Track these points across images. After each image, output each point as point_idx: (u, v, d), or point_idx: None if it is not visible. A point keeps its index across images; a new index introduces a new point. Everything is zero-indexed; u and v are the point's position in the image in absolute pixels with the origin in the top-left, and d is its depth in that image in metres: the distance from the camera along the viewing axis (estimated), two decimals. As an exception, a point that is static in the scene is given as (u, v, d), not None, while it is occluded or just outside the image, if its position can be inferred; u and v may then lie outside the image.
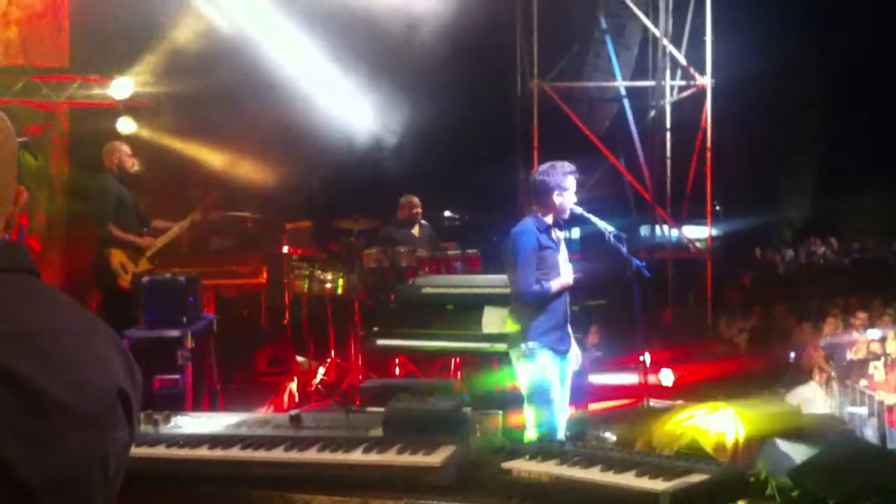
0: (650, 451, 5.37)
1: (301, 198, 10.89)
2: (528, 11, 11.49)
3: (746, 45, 12.08)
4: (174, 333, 6.20)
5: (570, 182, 5.51)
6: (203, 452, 3.46)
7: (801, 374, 7.98)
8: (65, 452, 1.25)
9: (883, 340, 7.97)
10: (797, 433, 5.82)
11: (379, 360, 7.86)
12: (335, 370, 7.82)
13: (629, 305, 6.50)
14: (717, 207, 12.22)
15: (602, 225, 5.65)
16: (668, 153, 11.60)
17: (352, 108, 10.97)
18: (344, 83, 10.89)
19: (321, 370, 7.80)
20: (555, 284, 5.34)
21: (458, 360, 7.36)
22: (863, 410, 7.31)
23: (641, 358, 6.92)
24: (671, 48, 11.49)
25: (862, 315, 8.67)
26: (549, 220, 5.50)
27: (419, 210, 8.77)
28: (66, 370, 1.28)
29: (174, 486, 3.45)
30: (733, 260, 12.51)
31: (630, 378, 7.41)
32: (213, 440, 3.52)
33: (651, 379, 7.69)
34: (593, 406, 6.97)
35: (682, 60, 11.59)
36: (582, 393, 6.30)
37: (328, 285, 8.03)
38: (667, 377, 8.21)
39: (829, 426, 6.74)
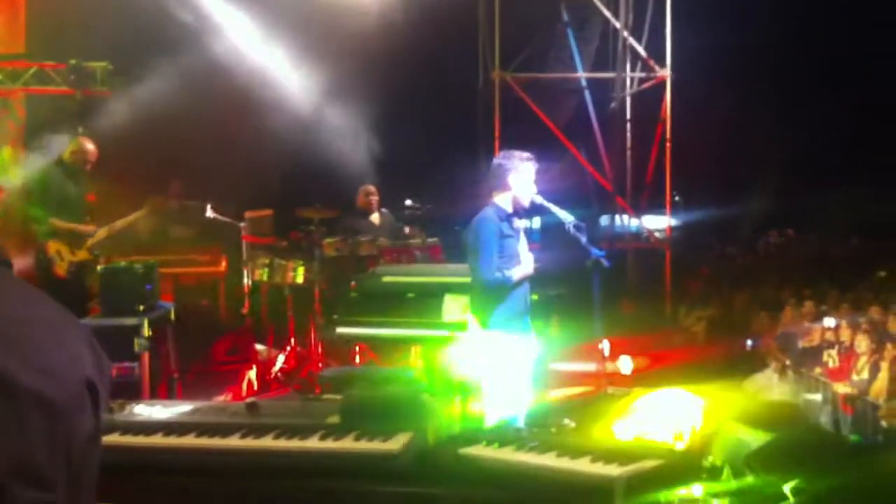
0: (606, 437, 5.42)
1: (261, 187, 10.81)
2: (490, 3, 11.49)
3: (707, 37, 12.18)
4: (130, 321, 6.15)
5: (529, 169, 5.54)
6: (158, 440, 3.44)
7: (757, 363, 8.09)
8: (31, 438, 1.25)
9: (837, 329, 8.10)
10: (753, 419, 5.89)
11: (339, 349, 7.84)
12: (295, 359, 7.78)
13: (589, 295, 6.53)
14: (677, 198, 12.32)
15: (562, 214, 5.67)
16: (629, 144, 11.68)
17: (313, 98, 10.91)
18: (305, 73, 10.83)
19: (280, 358, 7.77)
20: (516, 273, 5.37)
21: (417, 347, 7.37)
22: (817, 397, 7.43)
23: (600, 346, 6.97)
24: (631, 40, 11.55)
25: (816, 304, 8.80)
26: (509, 209, 5.52)
27: (375, 197, 8.76)
28: (35, 358, 1.29)
29: (128, 475, 3.42)
30: (692, 250, 12.63)
31: (589, 366, 7.46)
32: (169, 427, 3.50)
33: (610, 367, 7.75)
34: (553, 393, 7.01)
35: (643, 52, 11.66)
36: (541, 380, 6.33)
37: (289, 274, 7.99)
38: (625, 365, 8.28)
39: (785, 412, 6.83)
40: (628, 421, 5.74)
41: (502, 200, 5.52)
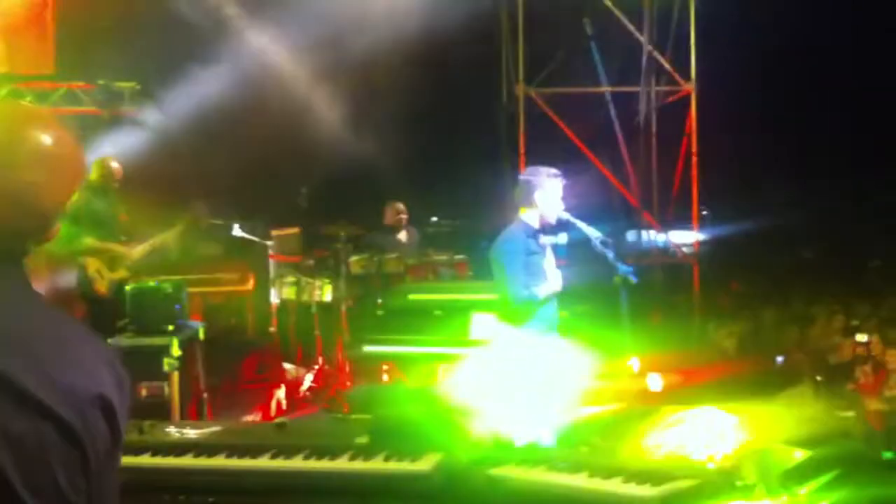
0: (638, 456, 5.37)
1: (288, 205, 10.86)
2: (513, 17, 11.50)
3: (733, 49, 12.12)
4: (160, 341, 6.18)
5: (555, 185, 5.53)
6: (188, 461, 3.44)
7: (789, 379, 7.99)
8: (44, 454, 1.27)
9: (868, 344, 7.99)
10: (785, 436, 5.81)
11: (366, 367, 7.83)
12: (322, 377, 7.79)
13: (617, 311, 6.48)
14: (704, 212, 12.24)
15: (589, 230, 5.64)
16: (654, 158, 11.62)
17: (339, 115, 10.96)
18: (330, 90, 10.88)
19: (308, 377, 7.77)
20: (542, 290, 5.35)
21: (445, 365, 7.35)
22: (849, 414, 7.32)
23: (629, 363, 6.90)
24: (656, 54, 11.52)
25: (846, 319, 8.69)
26: (536, 225, 5.51)
27: (404, 216, 8.76)
28: (51, 375, 1.30)
29: (159, 495, 3.42)
30: (721, 265, 12.53)
31: (618, 384, 7.40)
32: (199, 448, 3.50)
33: (639, 384, 7.69)
34: (582, 412, 6.95)
35: (667, 66, 11.62)
36: (569, 399, 6.28)
37: (315, 292, 8.01)
38: (655, 382, 8.20)
39: (818, 429, 6.74)
40: (660, 439, 5.70)
41: (529, 217, 5.51)
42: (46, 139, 1.48)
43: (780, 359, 8.55)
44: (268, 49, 10.70)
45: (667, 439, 5.80)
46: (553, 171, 5.63)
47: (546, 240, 5.65)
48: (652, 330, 10.36)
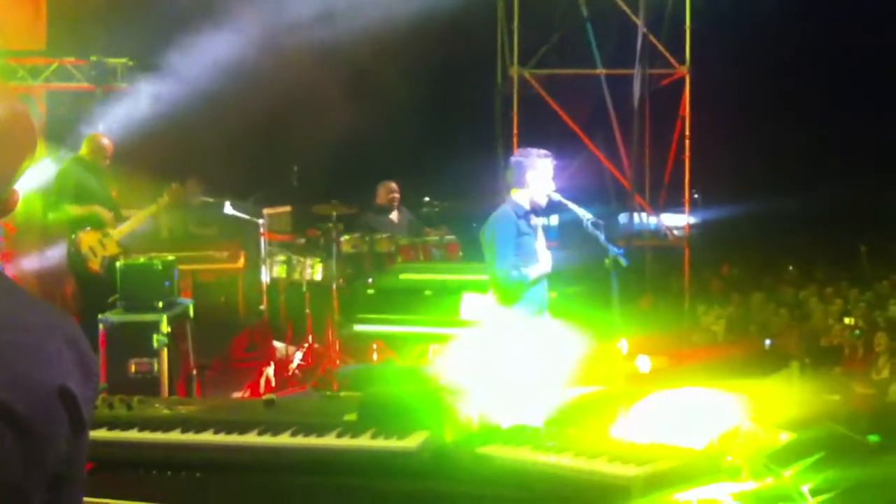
0: (623, 437, 5.40)
1: (280, 183, 10.84)
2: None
3: (728, 33, 12.10)
4: (150, 318, 6.18)
5: (547, 166, 5.53)
6: (176, 436, 3.45)
7: (777, 362, 8.04)
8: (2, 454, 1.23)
9: (856, 328, 8.04)
10: (772, 419, 5.85)
11: (356, 346, 7.85)
12: (312, 356, 7.80)
13: (607, 293, 6.49)
14: (696, 195, 12.26)
15: (580, 212, 5.64)
16: (648, 141, 11.63)
17: (330, 93, 10.92)
18: (323, 68, 10.84)
19: (298, 356, 7.79)
20: (533, 271, 5.36)
21: (435, 345, 7.37)
22: (837, 397, 7.37)
23: (618, 345, 6.93)
24: (651, 36, 11.50)
25: (838, 303, 8.74)
26: (527, 206, 5.51)
27: (396, 195, 8.75)
28: (10, 368, 1.26)
29: (147, 470, 3.44)
30: (712, 248, 12.57)
31: (607, 365, 7.43)
32: (187, 424, 3.51)
33: (628, 366, 7.72)
34: (569, 392, 6.98)
35: (662, 49, 11.60)
36: (557, 380, 6.31)
37: (306, 271, 8.02)
38: (644, 364, 8.24)
39: (804, 412, 6.79)
40: (646, 420, 5.73)
41: (520, 197, 5.51)
42: None
43: (768, 342, 8.61)
44: (262, 26, 10.65)
45: (653, 420, 5.84)
46: (544, 152, 5.62)
47: (537, 221, 5.65)
48: (642, 312, 10.40)
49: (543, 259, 5.51)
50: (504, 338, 5.40)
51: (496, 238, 5.40)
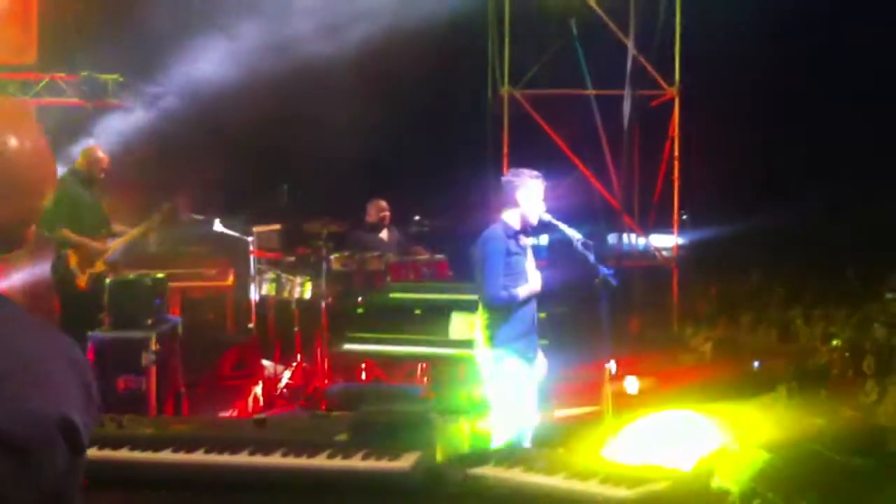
0: (614, 458, 5.41)
1: (270, 201, 10.85)
2: (500, 18, 11.54)
3: (717, 54, 12.19)
4: (139, 335, 6.17)
5: (537, 186, 5.55)
6: (166, 456, 3.44)
7: (764, 384, 8.07)
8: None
9: (844, 350, 8.08)
10: (759, 441, 5.88)
11: (345, 365, 7.84)
12: (301, 374, 7.79)
13: (596, 313, 6.51)
14: (685, 217, 12.31)
15: (570, 232, 5.66)
16: (637, 162, 11.69)
17: (319, 111, 10.95)
18: (315, 87, 10.87)
19: (287, 374, 7.77)
20: (522, 291, 5.37)
21: (424, 365, 7.37)
22: (822, 420, 7.40)
23: (607, 365, 6.93)
24: (640, 57, 11.58)
25: (823, 325, 8.78)
26: (517, 226, 5.53)
27: (387, 213, 8.77)
28: (15, 400, 1.26)
29: (137, 490, 3.43)
30: (700, 269, 12.62)
31: (595, 386, 7.45)
32: (178, 443, 3.50)
33: (616, 387, 7.73)
34: (559, 413, 7.00)
35: (651, 70, 11.69)
36: (548, 399, 6.33)
37: (296, 289, 8.01)
38: (632, 385, 8.26)
39: (792, 435, 6.82)
40: (636, 442, 5.75)
41: (510, 217, 5.53)
42: (13, 142, 1.43)
43: (756, 363, 8.64)
44: (254, 44, 10.68)
45: (643, 442, 5.86)
46: (535, 172, 5.65)
47: (526, 241, 5.66)
48: (630, 333, 10.44)
49: (533, 279, 5.52)
50: (492, 359, 5.41)
51: (485, 257, 5.42)
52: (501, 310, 5.38)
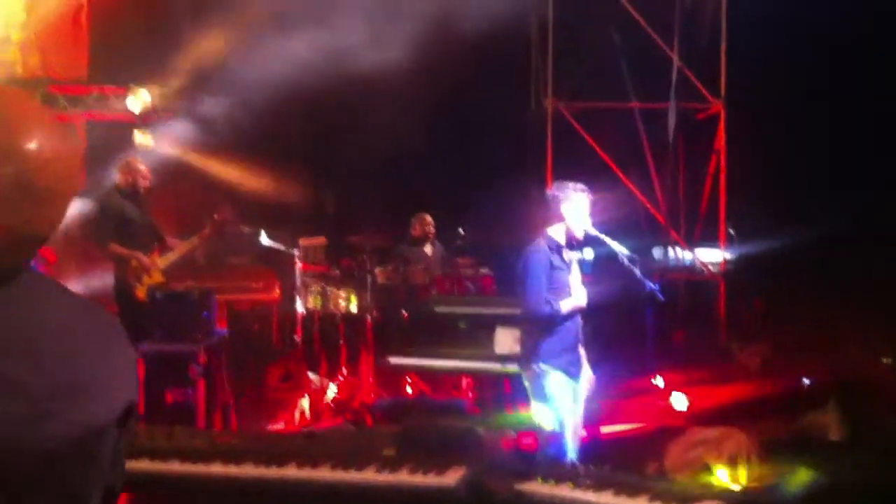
0: (663, 476, 5.36)
1: (315, 213, 10.93)
2: (543, 30, 11.54)
3: (763, 66, 12.06)
4: (187, 348, 6.23)
5: (583, 200, 5.52)
6: (216, 469, 3.47)
7: (814, 402, 7.94)
8: (75, 465, 1.26)
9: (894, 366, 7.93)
10: (810, 460, 5.78)
11: (390, 379, 7.85)
12: (346, 388, 7.81)
13: (641, 328, 6.47)
14: (731, 231, 12.17)
15: (616, 247, 5.64)
16: (682, 176, 11.60)
17: (362, 124, 11.01)
18: (356, 100, 10.93)
19: (332, 387, 7.80)
20: (565, 305, 5.33)
21: (469, 379, 7.36)
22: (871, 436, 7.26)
23: (654, 381, 6.89)
24: (686, 70, 11.50)
25: (877, 340, 8.61)
26: (562, 240, 5.50)
27: (432, 229, 8.79)
28: (90, 391, 1.29)
29: (186, 500, 3.46)
30: (747, 284, 12.46)
31: (642, 402, 7.38)
32: (227, 455, 3.53)
33: (664, 402, 7.67)
34: (605, 429, 6.94)
35: (697, 82, 11.60)
36: (594, 416, 6.27)
37: (341, 302, 8.05)
38: (679, 401, 8.18)
39: (843, 455, 6.70)
40: (685, 459, 5.69)
41: (555, 231, 5.50)
42: (31, 145, 1.35)
43: (806, 381, 8.50)
44: (301, 55, 10.76)
45: (692, 459, 5.79)
46: (581, 185, 5.62)
47: (571, 255, 5.63)
48: (676, 348, 10.32)
49: (577, 293, 5.48)
50: (540, 375, 5.37)
51: (528, 271, 5.39)
52: (544, 324, 5.35)
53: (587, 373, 5.59)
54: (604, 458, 6.11)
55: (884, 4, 11.80)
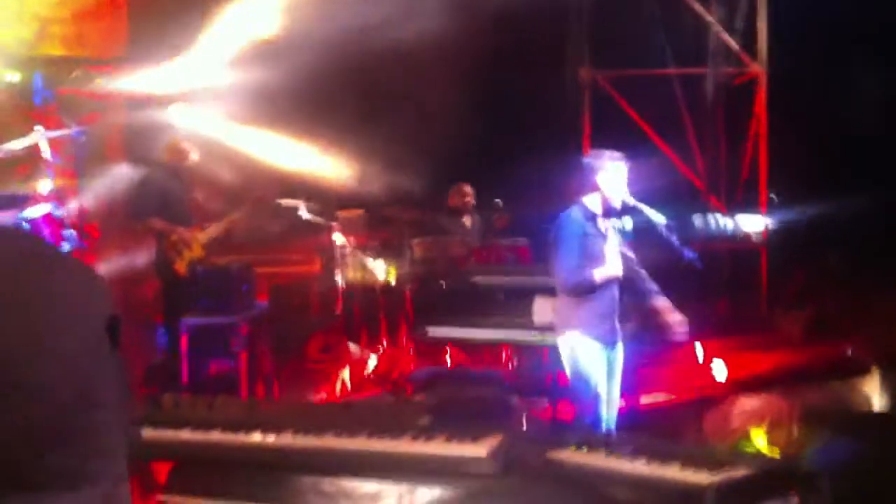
0: (698, 443, 5.36)
1: (354, 186, 10.96)
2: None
3: (804, 29, 11.84)
4: (229, 320, 6.33)
5: (620, 168, 5.49)
6: (255, 438, 3.54)
7: (858, 368, 7.85)
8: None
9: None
10: (853, 429, 5.73)
11: (429, 350, 7.91)
12: (386, 359, 7.89)
13: (682, 297, 6.43)
14: (773, 196, 12.02)
15: (654, 215, 5.60)
16: (723, 141, 11.46)
17: (403, 94, 10.99)
18: (393, 72, 10.91)
19: (372, 359, 7.88)
20: (598, 274, 5.32)
21: (507, 349, 7.39)
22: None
23: (694, 350, 6.85)
24: (724, 34, 11.34)
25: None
26: (598, 209, 5.47)
27: (470, 199, 8.79)
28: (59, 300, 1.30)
29: (227, 470, 3.54)
30: (790, 251, 12.31)
31: (682, 370, 7.36)
32: (266, 425, 3.60)
33: (704, 371, 7.64)
34: (645, 399, 6.94)
35: (735, 47, 11.42)
36: (633, 385, 6.27)
37: (380, 274, 8.11)
38: (719, 369, 8.14)
39: (887, 424, 6.62)
40: (721, 426, 5.67)
41: (590, 200, 5.49)
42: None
43: (849, 350, 8.40)
44: (343, 28, 10.73)
45: (732, 427, 5.77)
46: (618, 154, 5.59)
47: (607, 223, 5.59)
48: (717, 316, 10.26)
49: (613, 262, 5.46)
50: (572, 342, 5.38)
51: (560, 239, 5.39)
52: (578, 292, 5.35)
53: (623, 342, 5.58)
54: (643, 428, 6.13)
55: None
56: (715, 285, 10.71)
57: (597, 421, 5.18)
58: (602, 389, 5.27)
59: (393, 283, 8.10)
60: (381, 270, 8.22)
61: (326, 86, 10.70)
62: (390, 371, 7.75)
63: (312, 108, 10.85)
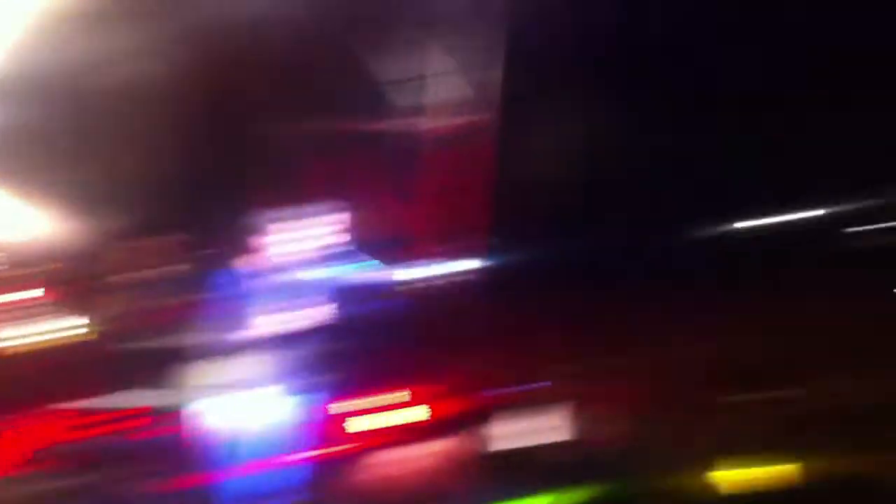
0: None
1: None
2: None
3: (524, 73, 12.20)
4: None
5: (288, 229, 5.52)
6: None
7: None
8: None
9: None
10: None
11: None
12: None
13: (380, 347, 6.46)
14: (487, 242, 12.28)
15: (339, 271, 5.68)
16: (431, 187, 11.60)
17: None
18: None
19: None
20: (250, 332, 5.27)
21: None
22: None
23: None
24: (443, 84, 11.55)
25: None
26: (262, 267, 5.47)
27: (164, 253, 8.53)
28: None
29: None
30: (497, 295, 12.64)
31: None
32: None
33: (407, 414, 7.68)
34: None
35: (455, 96, 11.67)
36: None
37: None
38: (421, 413, 8.17)
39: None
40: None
41: (256, 259, 5.48)
42: None
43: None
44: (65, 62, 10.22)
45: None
46: (285, 214, 5.62)
47: (269, 282, 5.59)
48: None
49: (269, 320, 5.44)
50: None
51: (216, 296, 5.34)
52: (236, 350, 5.30)
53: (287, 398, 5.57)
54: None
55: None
56: (413, 333, 10.85)
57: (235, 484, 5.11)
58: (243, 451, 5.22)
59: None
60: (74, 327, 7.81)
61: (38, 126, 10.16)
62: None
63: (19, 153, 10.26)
